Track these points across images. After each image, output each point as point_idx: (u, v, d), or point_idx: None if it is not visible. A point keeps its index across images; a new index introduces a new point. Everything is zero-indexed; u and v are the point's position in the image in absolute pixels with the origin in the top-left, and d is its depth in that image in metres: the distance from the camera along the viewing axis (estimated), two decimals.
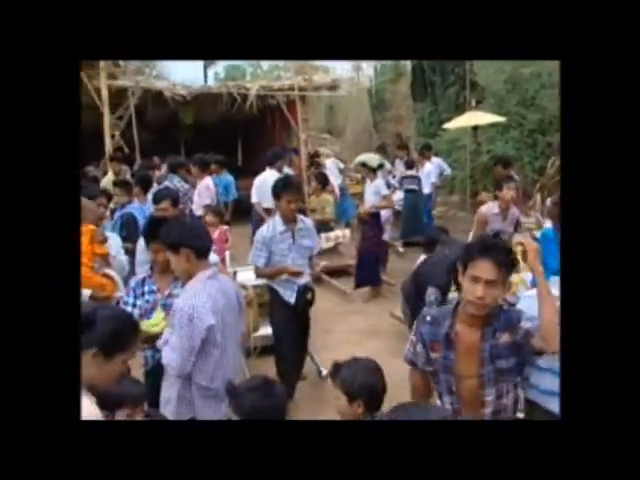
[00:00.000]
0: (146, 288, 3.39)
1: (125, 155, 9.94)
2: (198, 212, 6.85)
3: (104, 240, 4.47)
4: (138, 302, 3.36)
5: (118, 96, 10.40)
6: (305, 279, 4.43)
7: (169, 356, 2.69)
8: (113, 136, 9.97)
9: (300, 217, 4.54)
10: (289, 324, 4.45)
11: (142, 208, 5.87)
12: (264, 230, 4.42)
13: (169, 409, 2.79)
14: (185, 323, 2.63)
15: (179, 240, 2.76)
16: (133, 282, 3.48)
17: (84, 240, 4.02)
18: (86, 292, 3.91)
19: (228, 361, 2.82)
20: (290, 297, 4.41)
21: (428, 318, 2.50)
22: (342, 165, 11.09)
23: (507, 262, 2.31)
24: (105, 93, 9.73)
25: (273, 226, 4.39)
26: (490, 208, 5.48)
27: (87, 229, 4.15)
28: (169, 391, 2.84)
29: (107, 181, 7.65)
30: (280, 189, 4.32)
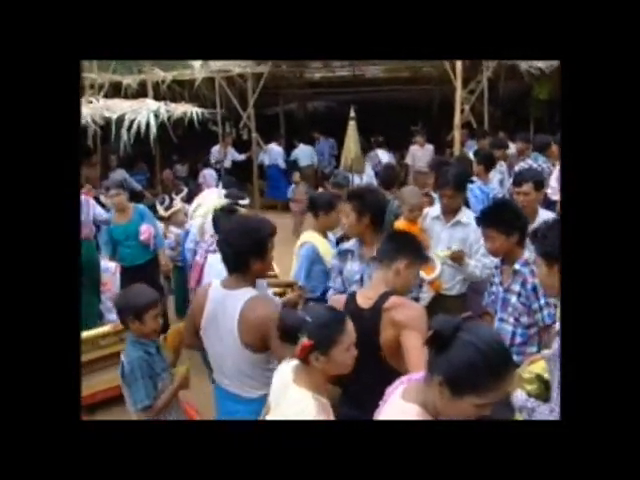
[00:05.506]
0: (495, 278, 3.13)
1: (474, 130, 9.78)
2: (554, 197, 6.18)
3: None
4: None
5: (473, 69, 10.21)
6: None
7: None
8: (462, 110, 9.82)
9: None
10: None
11: (482, 188, 5.50)
12: None
13: None
14: None
15: None
16: None
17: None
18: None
19: None
20: None
21: None
22: None
23: None
24: (459, 66, 9.61)
25: None
26: None
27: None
28: None
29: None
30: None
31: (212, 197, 5.81)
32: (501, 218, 3.04)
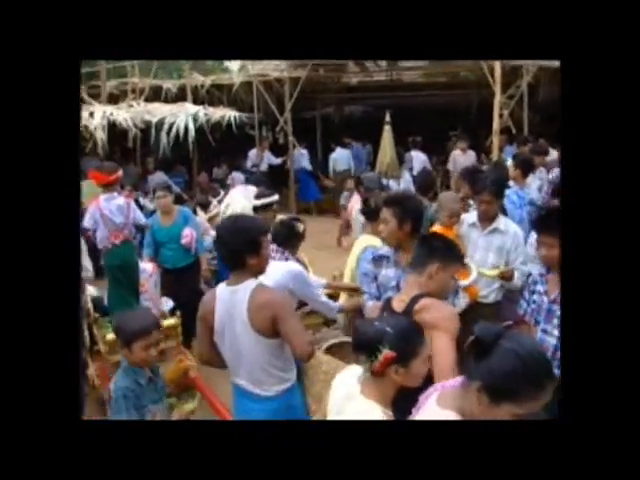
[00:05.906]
0: (538, 287, 3.02)
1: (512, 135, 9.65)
2: None
3: None
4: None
5: (512, 74, 10.09)
6: None
7: None
8: (501, 115, 9.70)
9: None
10: None
11: (518, 193, 5.39)
12: None
13: None
14: None
15: None
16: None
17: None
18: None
19: None
20: None
21: None
22: None
23: None
24: (498, 71, 9.50)
25: None
26: None
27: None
28: None
29: None
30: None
31: (239, 197, 5.88)
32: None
